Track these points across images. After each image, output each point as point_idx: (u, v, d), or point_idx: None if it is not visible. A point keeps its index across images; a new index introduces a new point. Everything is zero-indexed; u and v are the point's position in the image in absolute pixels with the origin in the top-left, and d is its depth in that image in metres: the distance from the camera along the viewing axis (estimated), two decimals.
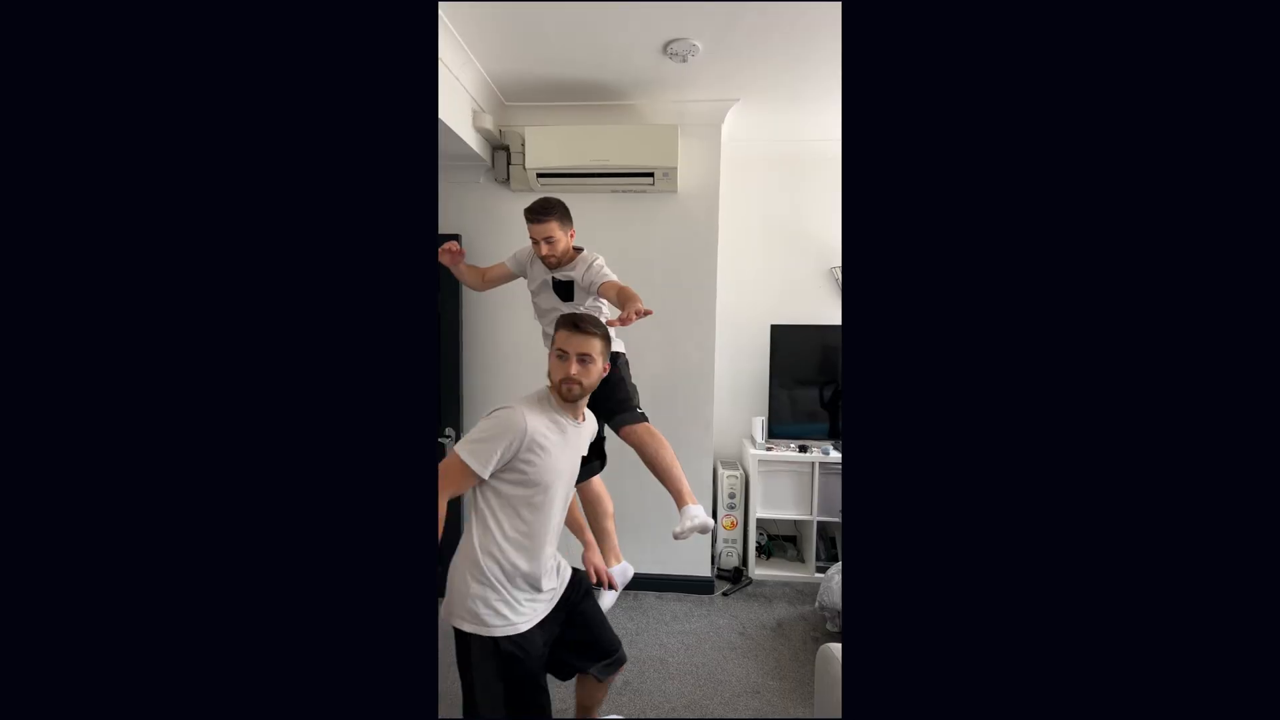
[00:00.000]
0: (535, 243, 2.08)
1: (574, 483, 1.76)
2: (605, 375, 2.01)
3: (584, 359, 1.61)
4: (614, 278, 2.06)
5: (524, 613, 1.59)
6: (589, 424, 1.79)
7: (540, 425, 1.56)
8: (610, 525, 2.26)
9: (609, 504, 2.28)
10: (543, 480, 1.56)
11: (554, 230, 2.03)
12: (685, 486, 1.99)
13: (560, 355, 1.62)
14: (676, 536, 1.91)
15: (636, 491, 3.10)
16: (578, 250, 2.14)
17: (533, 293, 2.24)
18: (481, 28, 2.30)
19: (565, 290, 2.12)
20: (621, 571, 2.25)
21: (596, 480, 2.27)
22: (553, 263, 2.10)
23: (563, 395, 1.63)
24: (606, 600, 2.18)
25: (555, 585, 1.72)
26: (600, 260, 2.10)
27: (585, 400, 1.73)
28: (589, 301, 2.13)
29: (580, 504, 2.29)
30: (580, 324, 1.64)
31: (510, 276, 2.30)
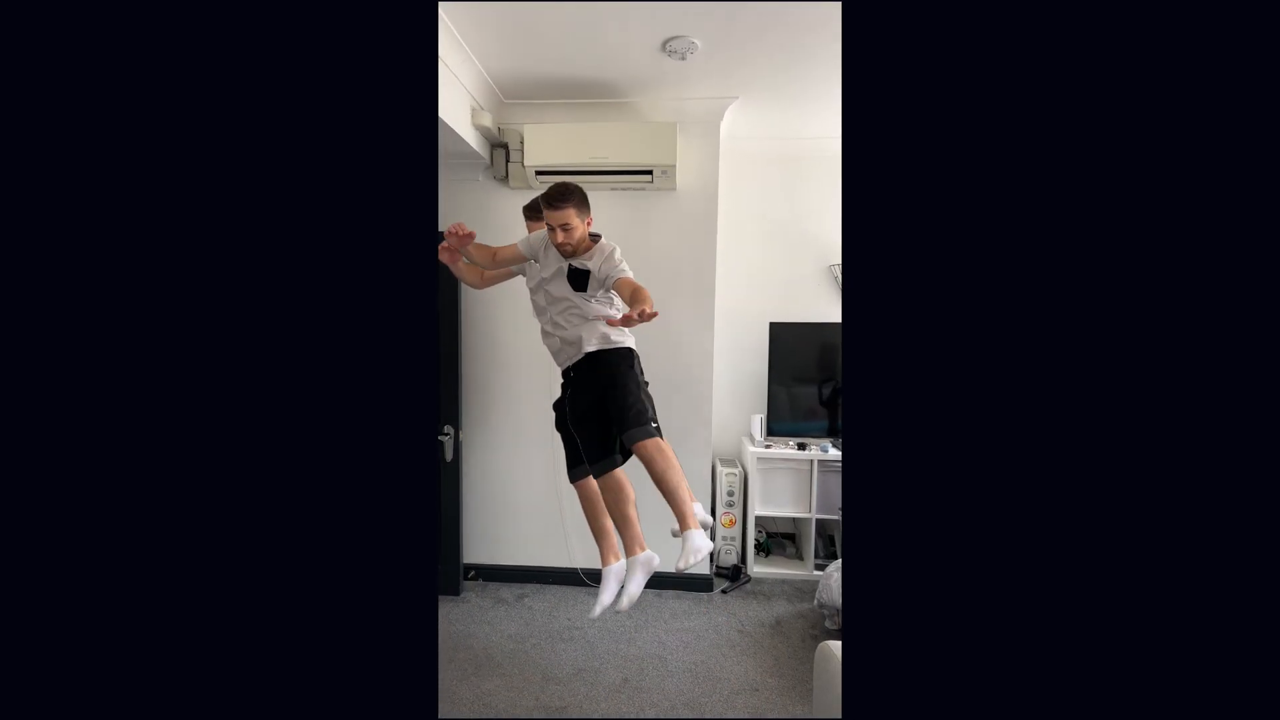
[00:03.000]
0: (551, 230, 1.99)
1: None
2: (613, 363, 2.05)
3: (566, 228, 1.97)
4: (630, 273, 2.00)
5: None
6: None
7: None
8: (633, 512, 2.15)
9: (631, 492, 2.17)
10: None
11: (571, 217, 1.96)
12: (690, 509, 1.93)
13: (550, 229, 2.01)
14: (678, 570, 1.88)
15: (635, 490, 3.10)
16: (594, 238, 2.06)
17: (534, 288, 2.18)
18: (480, 26, 2.29)
19: (580, 279, 2.03)
20: (646, 560, 2.16)
21: (618, 471, 2.17)
22: (568, 251, 2.02)
23: (563, 255, 2.08)
24: (605, 598, 2.15)
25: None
26: (618, 252, 2.02)
27: (578, 249, 2.07)
28: (601, 294, 2.07)
29: (601, 495, 2.19)
30: (550, 200, 1.96)
31: (520, 258, 2.19)
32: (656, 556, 2.20)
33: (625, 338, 2.13)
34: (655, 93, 2.86)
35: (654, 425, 2.05)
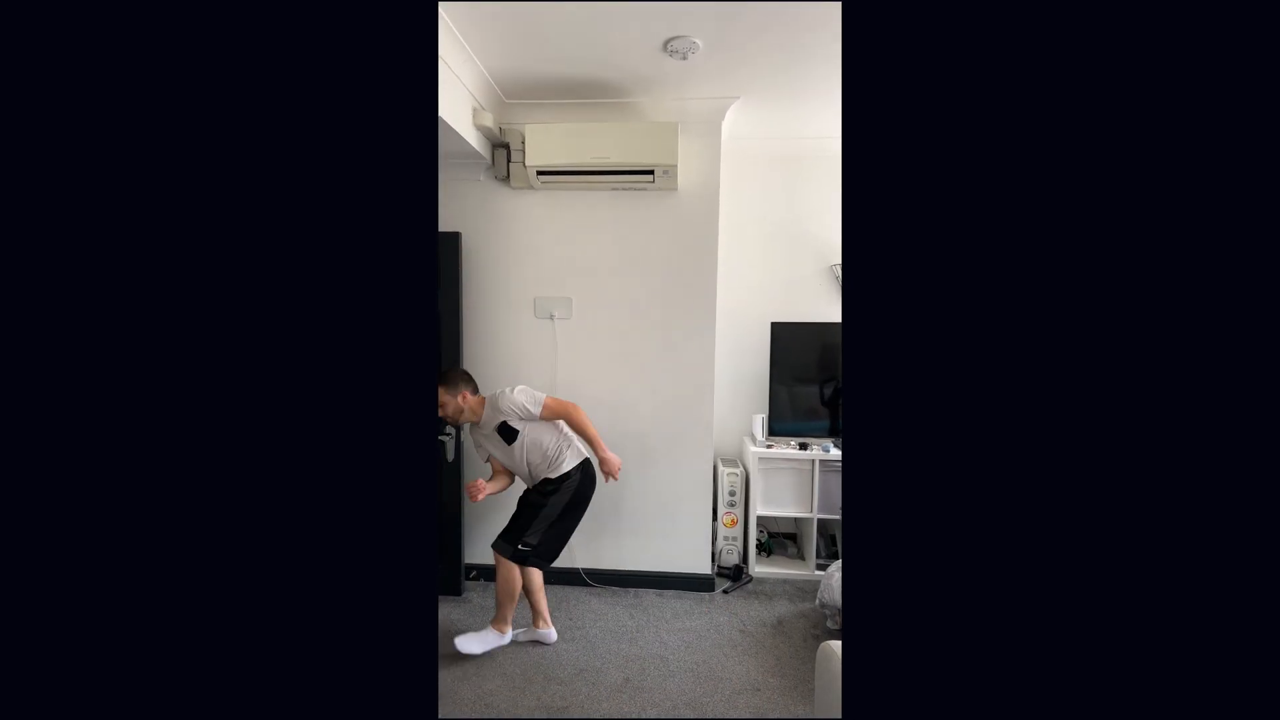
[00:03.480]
0: None
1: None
2: (548, 487, 2.56)
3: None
4: (532, 404, 2.46)
5: None
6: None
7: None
8: (505, 609, 2.58)
9: (514, 588, 2.59)
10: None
11: (440, 395, 2.46)
12: (536, 612, 2.62)
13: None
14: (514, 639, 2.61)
15: (637, 491, 3.11)
16: (483, 399, 2.55)
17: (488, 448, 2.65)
18: (482, 26, 2.29)
19: (508, 432, 2.51)
20: (496, 638, 2.59)
21: (504, 562, 2.56)
22: (448, 419, 2.53)
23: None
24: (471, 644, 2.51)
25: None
26: (505, 390, 2.51)
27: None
28: (540, 432, 2.50)
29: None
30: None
31: (499, 462, 2.67)
32: (507, 640, 2.65)
33: (577, 458, 2.60)
34: (657, 92, 2.86)
35: (519, 547, 2.49)
